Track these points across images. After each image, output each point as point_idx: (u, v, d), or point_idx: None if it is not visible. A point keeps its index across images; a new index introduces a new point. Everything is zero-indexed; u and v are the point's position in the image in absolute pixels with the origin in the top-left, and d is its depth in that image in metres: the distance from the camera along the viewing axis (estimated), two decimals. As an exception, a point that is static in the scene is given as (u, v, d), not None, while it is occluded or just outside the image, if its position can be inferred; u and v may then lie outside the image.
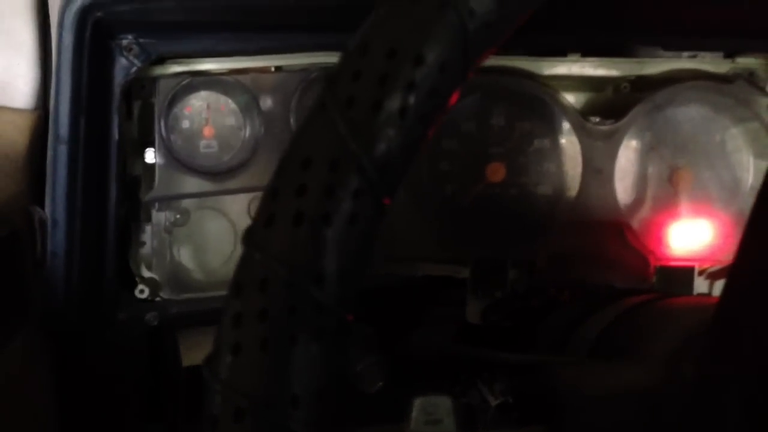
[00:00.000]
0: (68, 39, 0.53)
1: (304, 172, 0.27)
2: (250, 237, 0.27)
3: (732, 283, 0.34)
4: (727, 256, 0.69)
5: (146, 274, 0.66)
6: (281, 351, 0.26)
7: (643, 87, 0.70)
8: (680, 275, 0.69)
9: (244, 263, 0.27)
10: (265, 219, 0.27)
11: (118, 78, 0.57)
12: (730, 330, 0.34)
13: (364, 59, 0.28)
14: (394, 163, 0.28)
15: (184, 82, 0.63)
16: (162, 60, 0.62)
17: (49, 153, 0.55)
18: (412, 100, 0.27)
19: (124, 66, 0.57)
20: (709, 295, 0.70)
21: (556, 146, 0.69)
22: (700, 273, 0.70)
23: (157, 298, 0.65)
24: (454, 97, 0.29)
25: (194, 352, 0.65)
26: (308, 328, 0.26)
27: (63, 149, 0.54)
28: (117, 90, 0.58)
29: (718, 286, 0.70)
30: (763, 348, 0.31)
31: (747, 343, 0.32)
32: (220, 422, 0.26)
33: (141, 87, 0.63)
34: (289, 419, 0.26)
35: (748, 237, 0.33)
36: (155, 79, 0.62)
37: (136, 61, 0.58)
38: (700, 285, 0.69)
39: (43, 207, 0.56)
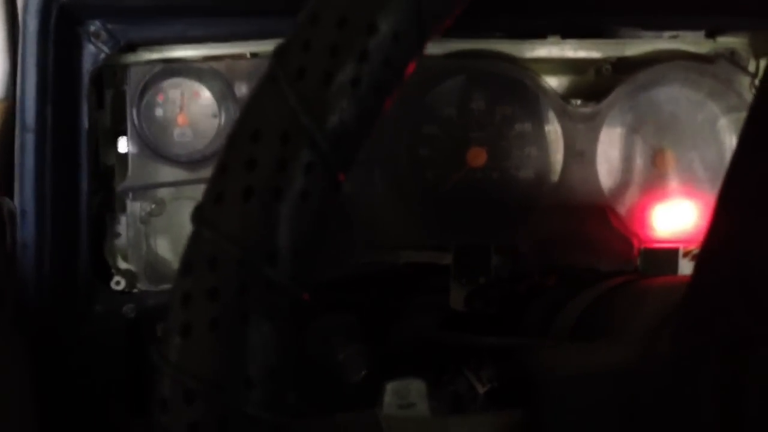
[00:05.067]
0: (33, 25, 0.52)
1: (254, 146, 0.26)
2: (199, 214, 0.26)
3: (702, 260, 0.34)
4: (711, 238, 0.68)
5: (122, 265, 0.65)
6: (232, 331, 0.25)
7: (624, 68, 0.69)
8: (665, 257, 0.68)
9: (194, 241, 0.26)
10: (215, 195, 0.26)
11: (87, 65, 0.56)
12: (702, 307, 0.33)
13: (314, 29, 0.27)
14: (347, 136, 0.27)
15: (156, 70, 0.62)
16: (134, 47, 0.61)
17: (17, 142, 0.54)
18: (364, 70, 0.27)
19: (92, 53, 0.56)
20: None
21: (537, 130, 0.68)
22: (685, 255, 0.69)
23: (134, 290, 0.65)
24: (410, 68, 0.28)
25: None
26: (260, 306, 0.26)
27: (30, 138, 0.53)
28: (86, 77, 0.57)
29: (703, 267, 0.69)
30: (734, 323, 0.31)
31: (719, 320, 0.32)
32: (169, 405, 0.25)
33: (112, 75, 0.62)
34: (243, 401, 0.25)
35: (717, 215, 0.32)
36: (127, 67, 0.61)
37: (104, 48, 0.57)
38: (685, 267, 0.69)
39: (12, 198, 0.55)
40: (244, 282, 0.26)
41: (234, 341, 0.25)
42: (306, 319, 0.27)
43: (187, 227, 0.68)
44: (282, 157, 0.26)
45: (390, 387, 0.40)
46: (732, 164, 0.32)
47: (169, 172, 0.64)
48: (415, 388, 0.40)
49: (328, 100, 0.26)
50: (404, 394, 0.39)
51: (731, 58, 0.69)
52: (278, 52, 0.27)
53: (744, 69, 0.68)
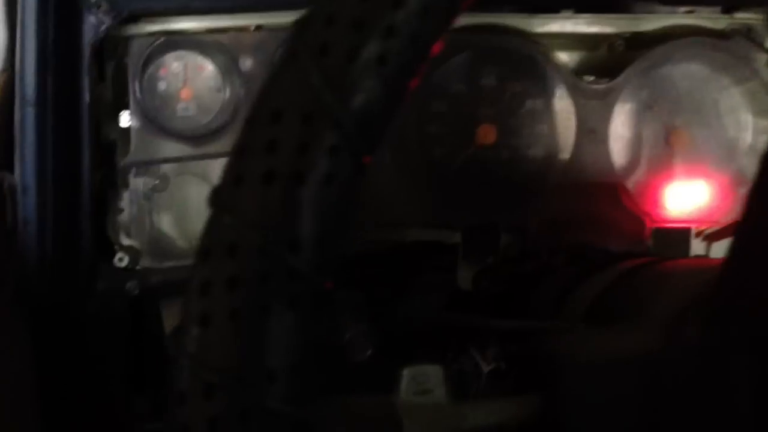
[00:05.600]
0: (32, -5, 0.50)
1: (275, 127, 0.25)
2: (217, 197, 0.25)
3: (738, 242, 0.33)
4: (724, 217, 0.67)
5: (125, 241, 0.63)
6: (253, 322, 0.24)
7: (638, 45, 0.68)
8: (676, 237, 0.67)
9: (212, 226, 0.25)
10: (234, 178, 0.25)
11: (88, 36, 0.55)
12: (736, 291, 0.32)
13: (338, 1, 0.25)
14: (373, 116, 0.25)
15: (159, 42, 0.60)
16: (136, 18, 0.59)
17: (17, 115, 0.53)
18: (391, 46, 0.25)
19: (93, 24, 0.55)
20: (706, 257, 0.68)
21: (548, 107, 0.67)
22: (697, 234, 0.68)
23: (138, 267, 0.63)
24: (437, 46, 0.27)
25: (177, 321, 0.63)
26: (283, 296, 0.24)
27: (30, 111, 0.52)
28: (87, 49, 0.55)
29: (715, 247, 0.68)
30: (769, 311, 0.30)
31: (755, 305, 0.31)
32: (188, 399, 0.24)
33: (114, 47, 0.60)
34: (265, 395, 0.24)
35: (755, 196, 0.31)
36: (128, 39, 0.60)
37: (105, 19, 0.55)
38: (697, 247, 0.68)
39: (13, 173, 0.54)
40: (266, 270, 0.24)
41: (255, 332, 0.24)
42: (327, 307, 0.25)
43: (190, 203, 0.67)
44: (304, 138, 0.24)
45: (407, 373, 0.39)
46: None
47: (172, 148, 0.62)
48: (433, 374, 0.39)
49: (353, 77, 0.25)
50: (422, 380, 0.39)
51: (748, 34, 0.68)
52: (299, 26, 0.26)
53: (760, 46, 0.67)
